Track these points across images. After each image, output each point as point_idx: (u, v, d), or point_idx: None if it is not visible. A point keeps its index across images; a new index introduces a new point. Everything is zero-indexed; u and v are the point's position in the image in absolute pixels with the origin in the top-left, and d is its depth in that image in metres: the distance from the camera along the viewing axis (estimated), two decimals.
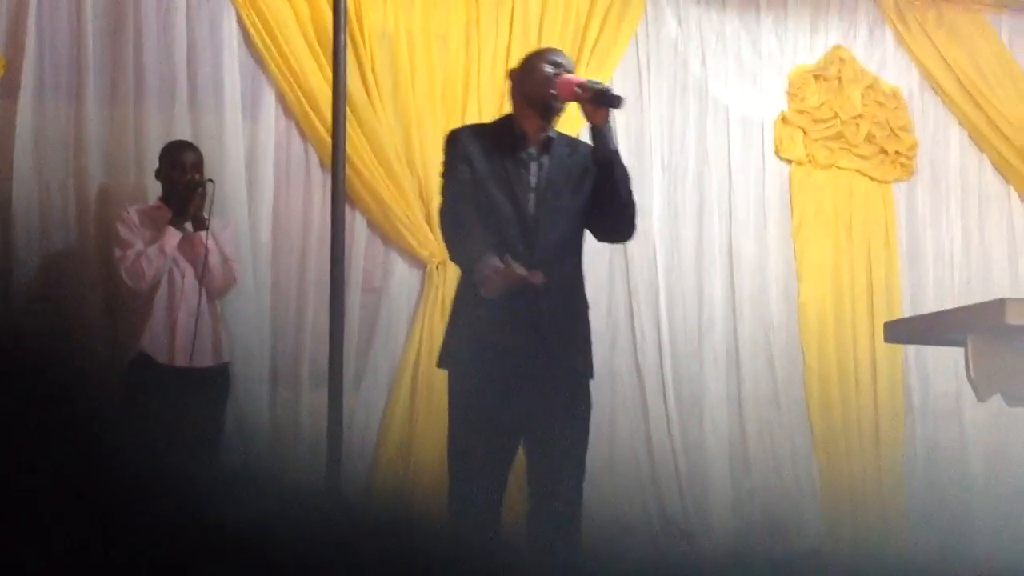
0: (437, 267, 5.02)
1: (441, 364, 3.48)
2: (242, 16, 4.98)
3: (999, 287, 5.74)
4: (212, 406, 4.45)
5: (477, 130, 3.59)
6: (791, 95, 5.78)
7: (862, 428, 5.59)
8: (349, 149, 4.27)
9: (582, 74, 4.36)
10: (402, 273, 5.12)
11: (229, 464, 4.26)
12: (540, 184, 3.42)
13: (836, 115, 5.81)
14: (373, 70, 5.08)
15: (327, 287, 3.83)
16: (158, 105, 4.84)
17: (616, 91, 3.48)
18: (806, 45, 5.85)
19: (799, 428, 5.55)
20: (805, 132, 5.76)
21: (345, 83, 3.93)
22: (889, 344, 4.77)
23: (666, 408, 5.36)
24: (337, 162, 3.77)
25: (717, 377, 5.48)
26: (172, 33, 4.89)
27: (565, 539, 3.36)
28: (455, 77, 5.24)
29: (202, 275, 4.39)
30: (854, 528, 5.46)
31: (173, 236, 4.39)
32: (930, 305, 5.57)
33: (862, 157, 5.83)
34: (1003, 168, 6.01)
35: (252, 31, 4.98)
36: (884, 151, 5.85)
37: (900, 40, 5.97)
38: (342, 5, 3.85)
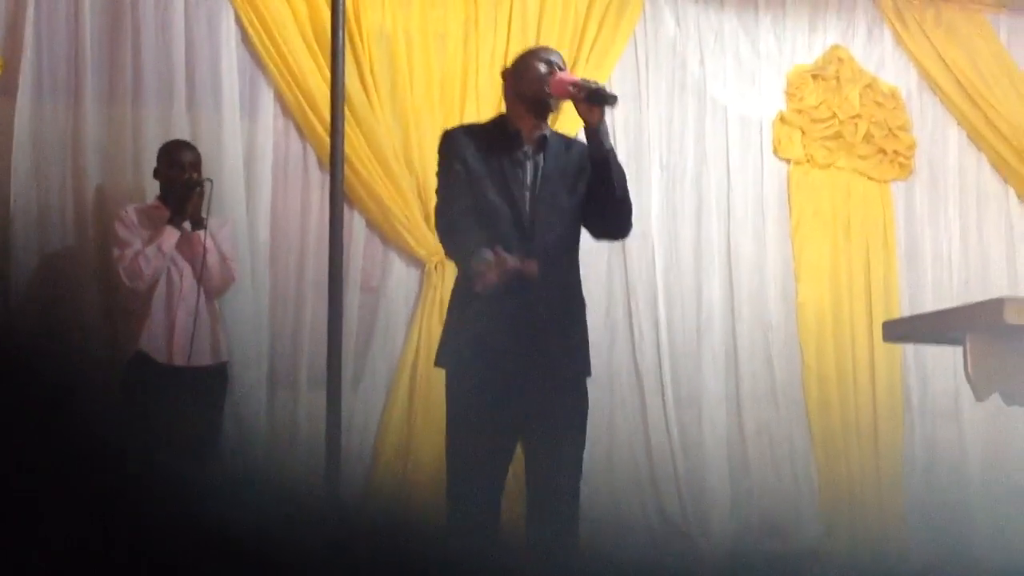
0: (436, 266, 5.02)
1: (438, 363, 3.48)
2: (240, 15, 4.98)
3: (997, 286, 5.74)
4: (210, 405, 4.44)
5: (472, 130, 3.58)
6: (789, 95, 5.78)
7: (860, 427, 5.59)
8: (347, 149, 4.27)
9: (580, 74, 4.36)
10: (400, 272, 5.12)
11: (227, 464, 4.26)
12: (535, 183, 3.42)
13: (834, 115, 5.81)
14: (371, 70, 5.08)
15: (325, 286, 3.83)
16: (156, 104, 4.84)
17: (610, 90, 3.47)
18: (804, 45, 5.86)
19: (797, 427, 5.55)
20: (803, 132, 5.76)
21: (343, 82, 3.93)
22: (888, 344, 4.78)
23: (664, 408, 5.36)
24: (335, 162, 3.77)
25: (716, 377, 5.48)
26: (170, 32, 4.89)
27: (563, 538, 3.36)
28: (453, 76, 5.24)
29: (200, 274, 4.39)
30: (852, 527, 5.46)
31: (171, 235, 4.39)
32: (928, 304, 5.58)
33: (860, 157, 5.83)
34: (1001, 168, 6.01)
35: (250, 30, 4.98)
36: (882, 151, 5.85)
37: (898, 40, 5.97)
38: (340, 4, 3.85)
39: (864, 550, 5.40)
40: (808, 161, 5.76)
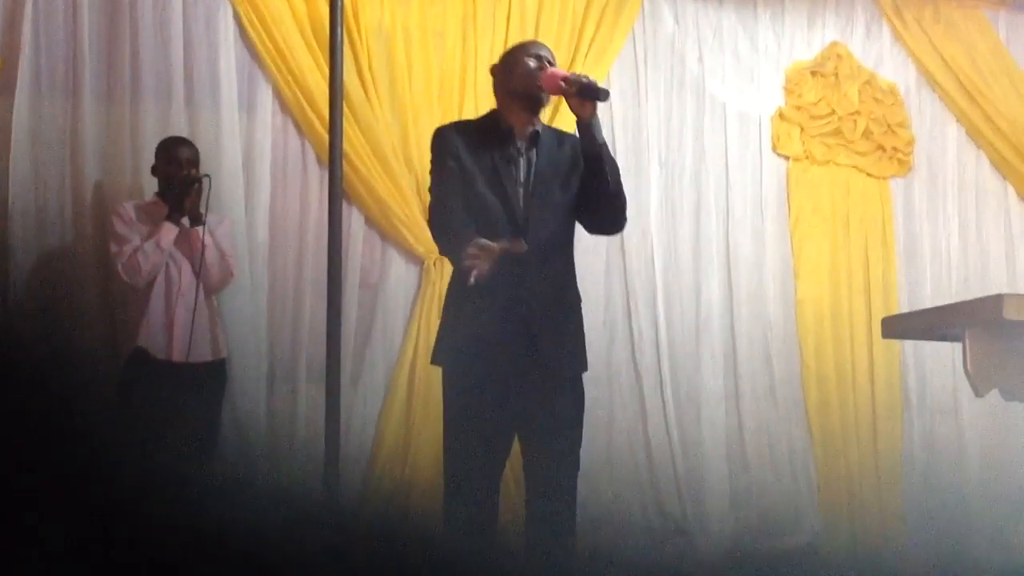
0: (434, 263, 5.02)
1: (435, 361, 3.48)
2: (238, 12, 4.97)
3: (996, 283, 5.75)
4: (209, 402, 4.44)
5: (464, 127, 3.58)
6: (788, 91, 5.78)
7: (859, 425, 5.59)
8: (346, 145, 4.26)
9: (579, 71, 4.36)
10: (399, 269, 5.12)
11: (226, 461, 4.26)
12: (529, 179, 3.42)
13: (833, 111, 5.81)
14: (370, 66, 5.08)
15: (324, 283, 3.82)
16: (154, 101, 4.83)
17: (607, 86, 3.46)
18: (803, 41, 5.86)
19: (796, 425, 5.55)
20: (802, 128, 5.76)
21: (342, 79, 3.92)
22: (886, 340, 4.77)
23: (664, 405, 5.36)
24: (334, 158, 3.76)
25: (715, 374, 5.48)
26: (168, 30, 4.89)
27: (561, 536, 3.36)
28: (452, 73, 5.24)
29: (199, 271, 4.39)
30: (851, 524, 5.47)
31: (170, 231, 4.38)
32: (927, 301, 5.58)
33: (859, 153, 5.83)
34: (1000, 164, 6.02)
35: (248, 27, 4.97)
36: (881, 147, 5.85)
37: (897, 36, 5.97)
38: (339, 1, 3.84)
39: (863, 548, 5.40)
40: (807, 158, 5.76)
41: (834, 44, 5.88)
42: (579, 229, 3.55)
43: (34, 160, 4.67)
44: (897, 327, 3.89)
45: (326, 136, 4.09)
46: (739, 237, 5.61)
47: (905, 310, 5.51)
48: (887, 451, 5.60)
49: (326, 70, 4.30)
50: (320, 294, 4.09)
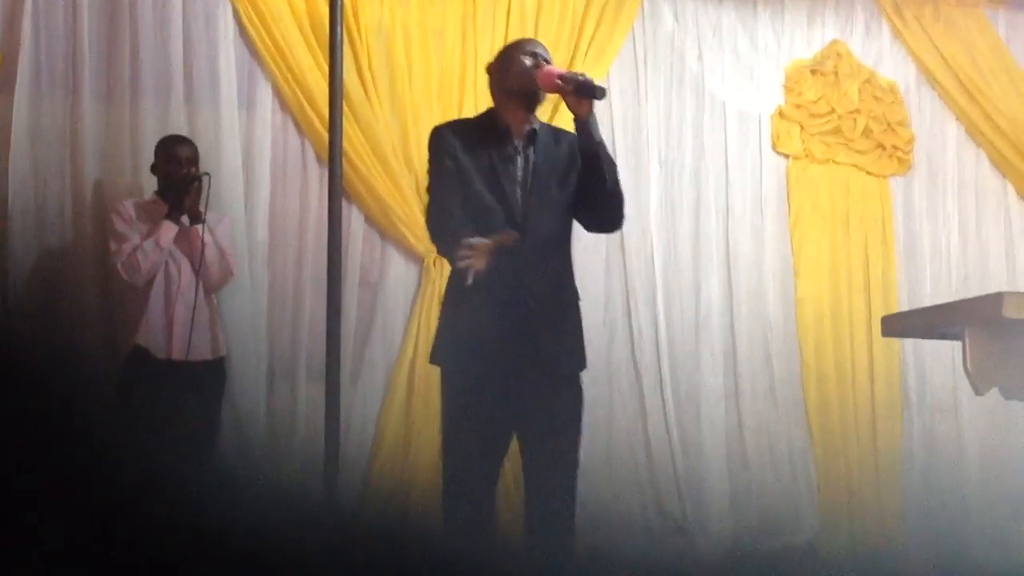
0: (434, 262, 5.02)
1: (433, 360, 3.47)
2: (238, 10, 4.98)
3: (996, 282, 5.75)
4: (209, 401, 4.44)
5: (461, 126, 3.57)
6: (788, 89, 5.78)
7: (859, 423, 5.59)
8: (346, 144, 4.26)
9: (579, 69, 4.36)
10: (399, 268, 5.12)
11: (225, 460, 4.26)
12: (526, 178, 3.41)
13: (833, 110, 5.81)
14: (370, 65, 5.08)
15: (324, 282, 3.81)
16: (154, 99, 4.83)
17: (606, 85, 3.46)
18: (803, 39, 5.85)
19: (796, 424, 5.55)
20: (802, 127, 5.76)
21: (342, 78, 3.92)
22: (886, 339, 4.77)
23: (663, 404, 5.36)
24: (334, 157, 3.75)
25: (714, 373, 5.48)
26: (168, 28, 4.89)
27: (560, 535, 3.35)
28: (451, 72, 5.23)
29: (199, 269, 4.38)
30: (851, 523, 5.47)
31: (169, 230, 4.38)
32: (927, 300, 5.58)
33: (859, 152, 5.82)
34: (1000, 163, 6.01)
35: (248, 26, 4.97)
36: (881, 146, 5.85)
37: (897, 35, 5.97)
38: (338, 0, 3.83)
39: (862, 547, 5.40)
40: (807, 156, 5.76)
41: (834, 42, 5.87)
42: (578, 227, 3.55)
43: (34, 157, 4.67)
44: (897, 325, 3.88)
45: (326, 134, 4.09)
46: (739, 236, 5.60)
47: (905, 308, 5.51)
48: (887, 450, 5.59)
49: (326, 68, 4.30)
50: (320, 293, 4.09)
